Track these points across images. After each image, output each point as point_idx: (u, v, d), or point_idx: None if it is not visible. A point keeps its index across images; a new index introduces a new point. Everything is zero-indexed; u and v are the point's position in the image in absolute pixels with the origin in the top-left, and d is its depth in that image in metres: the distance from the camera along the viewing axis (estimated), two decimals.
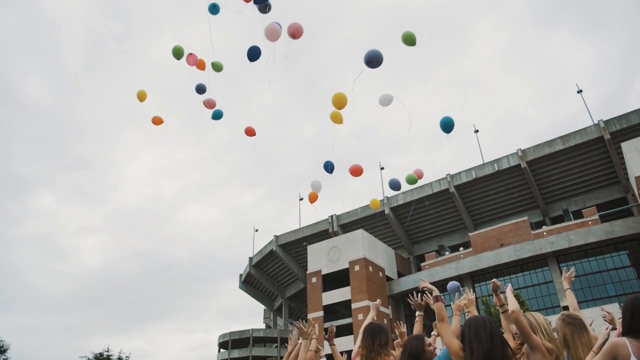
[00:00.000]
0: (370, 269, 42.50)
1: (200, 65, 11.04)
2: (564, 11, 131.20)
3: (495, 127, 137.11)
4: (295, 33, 9.02)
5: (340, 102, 9.52)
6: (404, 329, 5.08)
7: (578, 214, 40.87)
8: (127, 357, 37.39)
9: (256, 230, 65.32)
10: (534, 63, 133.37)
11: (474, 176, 45.02)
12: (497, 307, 4.00)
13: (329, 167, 11.29)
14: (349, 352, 5.31)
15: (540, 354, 3.35)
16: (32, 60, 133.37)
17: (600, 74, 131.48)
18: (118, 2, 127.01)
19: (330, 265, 44.40)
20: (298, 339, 4.69)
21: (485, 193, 45.88)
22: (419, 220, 49.91)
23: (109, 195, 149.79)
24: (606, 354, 2.92)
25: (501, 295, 3.99)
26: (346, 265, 43.03)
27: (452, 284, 5.13)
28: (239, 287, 65.75)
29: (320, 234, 53.13)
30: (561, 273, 4.84)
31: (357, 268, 42.10)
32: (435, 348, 3.84)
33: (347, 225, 52.03)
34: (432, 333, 4.58)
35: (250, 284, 65.37)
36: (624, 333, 3.01)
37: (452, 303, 4.48)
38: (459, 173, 46.08)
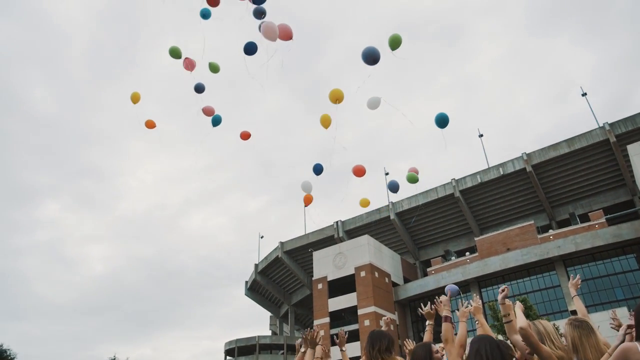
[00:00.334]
0: (376, 274, 42.38)
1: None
2: (567, 14, 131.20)
3: (499, 131, 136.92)
4: (284, 35, 9.10)
5: (336, 97, 9.58)
6: (412, 346, 5.05)
7: (585, 218, 40.64)
8: None
9: (262, 237, 65.25)
10: (538, 66, 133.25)
11: (479, 181, 44.89)
12: (502, 317, 3.97)
13: (317, 170, 11.40)
14: (357, 359, 5.31)
15: None
16: (38, 69, 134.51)
17: (605, 76, 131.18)
18: (123, 12, 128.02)
19: (336, 271, 44.30)
20: (303, 349, 4.67)
21: (491, 197, 45.73)
22: (424, 225, 49.77)
23: (115, 204, 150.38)
24: (617, 358, 2.91)
25: (505, 305, 3.96)
26: (352, 271, 42.92)
27: (451, 287, 5.10)
28: (245, 294, 65.68)
29: (325, 240, 53.06)
30: (568, 277, 4.87)
31: (363, 274, 41.99)
32: (443, 355, 3.82)
33: (352, 231, 51.95)
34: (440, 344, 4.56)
35: (256, 290, 65.28)
36: (637, 338, 3.00)
37: (457, 310, 4.45)
38: (464, 178, 45.97)
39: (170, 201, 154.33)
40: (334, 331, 41.44)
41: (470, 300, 4.57)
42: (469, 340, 3.59)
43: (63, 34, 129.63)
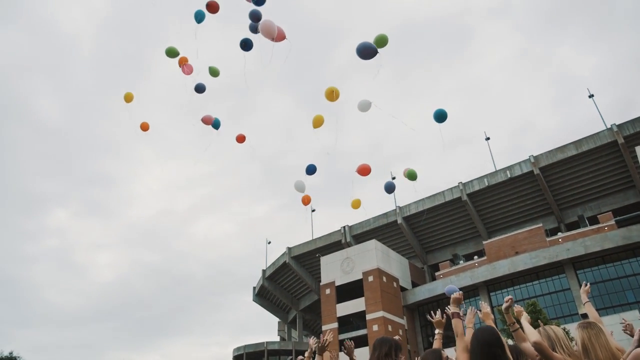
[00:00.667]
0: (384, 279, 42.25)
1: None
2: (573, 15, 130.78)
3: (506, 134, 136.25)
4: (279, 36, 9.17)
5: (332, 96, 9.65)
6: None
7: (594, 220, 40.35)
8: None
9: (269, 243, 65.32)
10: (544, 69, 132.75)
11: (487, 184, 44.73)
12: (508, 325, 3.98)
13: (310, 170, 11.49)
14: None
15: None
16: (46, 78, 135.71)
17: (611, 77, 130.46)
18: (129, 20, 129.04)
19: (344, 276, 44.22)
20: (313, 358, 4.67)
21: (499, 200, 45.54)
22: (432, 229, 49.64)
23: (123, 211, 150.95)
24: None
25: (509, 315, 3.98)
26: (360, 276, 42.83)
27: (449, 288, 5.11)
28: (253, 300, 65.67)
29: (333, 245, 53.02)
30: (578, 280, 4.88)
31: (370, 279, 41.89)
32: None
33: (359, 235, 51.87)
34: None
35: (264, 296, 65.26)
36: None
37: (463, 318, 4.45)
38: (471, 181, 45.83)
39: (178, 208, 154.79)
40: (342, 336, 41.34)
41: (480, 304, 4.56)
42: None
43: (70, 42, 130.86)
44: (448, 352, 4.17)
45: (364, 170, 11.13)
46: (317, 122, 10.43)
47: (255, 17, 9.25)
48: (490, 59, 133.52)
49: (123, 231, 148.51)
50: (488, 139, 49.82)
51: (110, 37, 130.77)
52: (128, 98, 11.72)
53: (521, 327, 3.86)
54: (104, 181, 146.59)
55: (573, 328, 3.71)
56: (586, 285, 4.82)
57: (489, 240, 43.31)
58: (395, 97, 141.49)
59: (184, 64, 11.09)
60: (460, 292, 4.58)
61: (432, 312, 5.01)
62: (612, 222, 37.36)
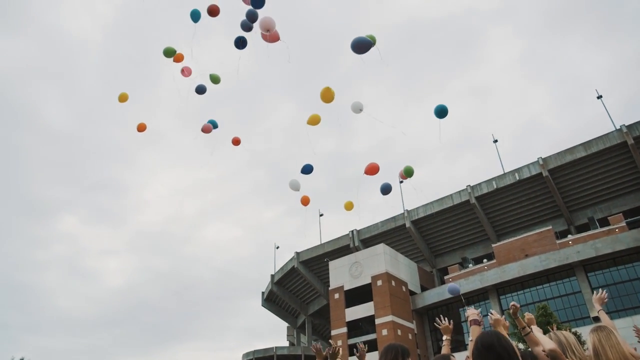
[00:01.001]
0: (393, 283, 42.10)
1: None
2: (579, 16, 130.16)
3: (514, 136, 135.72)
4: (273, 37, 9.26)
5: (327, 96, 9.70)
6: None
7: (604, 222, 39.98)
8: None
9: (277, 248, 65.28)
10: (551, 70, 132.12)
11: (495, 186, 44.50)
12: (519, 330, 3.96)
13: (307, 170, 11.56)
14: None
15: None
16: (54, 85, 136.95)
17: (620, 77, 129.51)
18: (136, 27, 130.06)
19: (353, 280, 44.12)
20: None
21: (507, 203, 45.27)
22: (440, 233, 49.43)
23: (131, 217, 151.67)
24: None
25: (519, 319, 3.96)
26: (368, 281, 42.71)
27: (451, 286, 5.10)
28: (262, 305, 65.65)
29: (341, 249, 52.94)
30: (589, 283, 4.80)
31: (379, 283, 41.75)
32: None
33: (368, 239, 51.76)
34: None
35: (272, 301, 65.22)
36: None
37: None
38: (480, 184, 45.62)
39: (186, 213, 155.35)
40: (351, 341, 41.23)
41: (490, 313, 4.52)
42: None
43: (78, 49, 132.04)
44: (457, 356, 4.14)
45: (372, 170, 11.08)
46: (313, 121, 10.50)
47: (252, 17, 9.35)
48: (496, 60, 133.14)
49: (132, 237, 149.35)
50: (496, 141, 49.63)
51: (118, 44, 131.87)
52: (122, 98, 11.91)
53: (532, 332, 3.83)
54: (112, 187, 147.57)
55: (585, 331, 3.69)
56: (601, 293, 4.63)
57: (498, 243, 43.04)
58: (401, 100, 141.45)
59: (180, 61, 11.24)
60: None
61: (438, 318, 4.97)
62: (623, 223, 36.99)
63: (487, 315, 4.50)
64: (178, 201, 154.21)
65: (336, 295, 44.76)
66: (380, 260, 42.96)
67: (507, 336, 3.26)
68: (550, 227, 40.58)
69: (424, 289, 46.26)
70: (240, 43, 10.03)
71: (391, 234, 50.73)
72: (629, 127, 38.59)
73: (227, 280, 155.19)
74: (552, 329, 4.12)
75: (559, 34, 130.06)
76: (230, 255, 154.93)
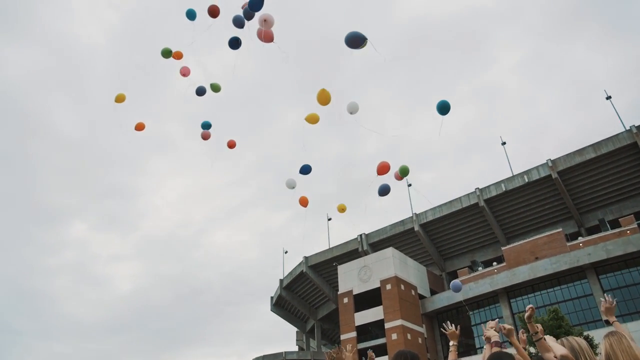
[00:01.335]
0: (402, 287, 41.93)
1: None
2: (587, 16, 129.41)
3: (522, 138, 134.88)
4: (267, 37, 9.37)
5: (323, 98, 9.76)
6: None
7: (615, 224, 39.61)
8: None
9: (286, 252, 65.29)
10: (559, 71, 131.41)
11: (504, 189, 44.26)
12: (531, 335, 3.93)
13: (305, 170, 11.67)
14: None
15: None
16: (63, 93, 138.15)
17: (629, 78, 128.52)
18: (143, 35, 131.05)
19: (362, 285, 44.00)
20: None
21: (517, 206, 45.01)
22: (449, 236, 49.22)
23: (140, 223, 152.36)
24: None
25: (532, 324, 3.93)
26: (377, 285, 42.58)
27: (454, 283, 5.05)
28: (271, 310, 65.63)
29: (350, 253, 52.85)
30: (601, 285, 4.73)
31: (388, 287, 41.61)
32: None
33: (376, 243, 51.64)
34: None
35: (281, 306, 65.19)
36: None
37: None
38: (488, 187, 45.40)
39: (194, 218, 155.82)
40: (361, 346, 41.06)
41: (502, 325, 4.46)
42: None
43: (86, 57, 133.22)
44: None
45: (383, 169, 11.15)
46: (312, 119, 10.55)
47: (248, 16, 9.47)
48: (504, 62, 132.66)
49: (141, 243, 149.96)
50: (504, 143, 49.41)
51: (126, 50, 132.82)
52: (119, 99, 12.14)
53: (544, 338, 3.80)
54: (122, 194, 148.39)
55: (597, 334, 3.66)
56: (607, 301, 4.49)
57: (508, 246, 42.76)
58: (409, 103, 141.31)
59: (180, 58, 11.41)
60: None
61: (445, 323, 4.93)
62: (635, 225, 36.61)
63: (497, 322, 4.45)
64: (186, 207, 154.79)
65: (345, 300, 44.65)
66: (389, 264, 42.83)
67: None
68: (560, 230, 40.26)
69: (433, 292, 46.04)
70: (234, 43, 10.17)
71: (400, 238, 50.58)
72: (639, 127, 38.29)
73: (236, 285, 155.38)
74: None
75: (567, 35, 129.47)
76: (239, 260, 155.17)
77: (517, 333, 4.49)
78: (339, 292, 46.09)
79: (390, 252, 43.93)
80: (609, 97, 44.02)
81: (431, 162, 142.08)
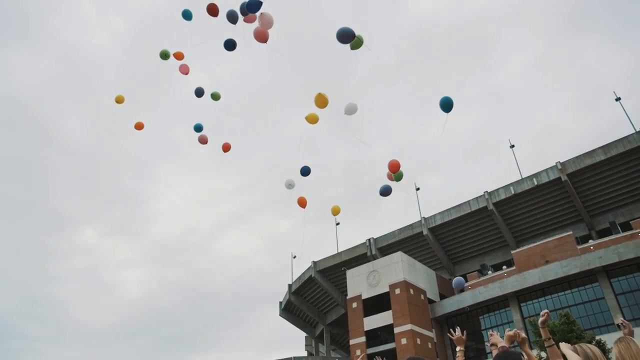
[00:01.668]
0: (411, 291, 41.72)
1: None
2: (594, 17, 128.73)
3: (531, 140, 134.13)
4: (261, 37, 9.53)
5: (321, 102, 9.84)
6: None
7: (626, 226, 39.22)
8: None
9: (294, 257, 65.24)
10: (567, 73, 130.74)
11: (513, 192, 43.99)
12: (544, 340, 3.90)
13: (305, 172, 11.80)
14: None
15: None
16: (71, 101, 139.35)
17: (638, 79, 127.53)
18: (150, 41, 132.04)
19: (370, 289, 43.84)
20: None
21: (526, 209, 44.71)
22: (458, 240, 48.97)
23: (149, 228, 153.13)
24: None
25: (545, 329, 3.91)
26: (386, 289, 42.40)
27: (457, 280, 5.03)
28: (280, 315, 65.56)
29: (358, 258, 52.72)
30: (612, 288, 4.70)
31: (397, 291, 41.41)
32: None
33: (385, 248, 51.49)
34: None
35: (290, 311, 65.10)
36: None
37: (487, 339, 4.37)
38: (497, 190, 45.16)
39: (202, 224, 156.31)
40: (370, 351, 40.87)
41: (517, 331, 4.41)
42: None
43: (93, 65, 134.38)
44: None
45: (394, 166, 11.21)
46: (312, 119, 10.62)
47: (243, 12, 9.61)
48: (511, 65, 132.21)
49: (150, 248, 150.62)
50: (513, 146, 49.17)
51: (133, 58, 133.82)
52: (119, 100, 12.38)
53: (557, 344, 3.78)
54: (130, 200, 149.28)
55: (609, 339, 3.65)
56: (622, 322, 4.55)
57: (518, 250, 42.44)
58: (416, 106, 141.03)
59: (181, 58, 11.58)
60: (515, 330, 4.45)
61: (452, 329, 4.90)
62: None
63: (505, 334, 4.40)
64: (195, 212, 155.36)
65: (354, 304, 44.49)
66: (398, 269, 42.65)
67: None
68: (570, 233, 39.92)
69: (442, 297, 45.77)
70: (230, 45, 10.32)
71: (408, 242, 50.40)
72: None
73: (245, 290, 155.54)
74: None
75: (575, 36, 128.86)
76: (248, 266, 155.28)
77: (527, 334, 4.45)
78: (347, 297, 45.94)
79: (399, 256, 43.75)
80: (618, 99, 43.72)
81: (439, 165, 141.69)
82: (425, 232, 48.66)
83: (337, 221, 60.17)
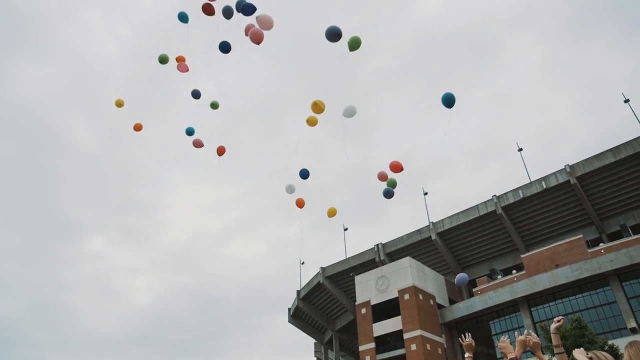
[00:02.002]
0: (421, 297, 41.49)
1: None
2: (601, 19, 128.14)
3: (539, 144, 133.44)
4: (256, 38, 9.64)
5: (319, 109, 9.90)
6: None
7: (637, 229, 38.83)
8: None
9: (302, 263, 65.16)
10: (575, 75, 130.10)
11: (522, 196, 43.71)
12: (555, 347, 3.85)
13: (304, 175, 11.86)
14: None
15: None
16: (80, 109, 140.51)
17: None
18: (157, 50, 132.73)
19: (379, 295, 43.66)
20: None
21: (535, 212, 44.39)
22: (467, 244, 48.69)
23: (157, 235, 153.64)
24: None
25: (557, 335, 3.87)
26: (395, 295, 42.20)
27: (460, 276, 4.99)
28: (288, 321, 65.42)
29: (366, 263, 52.57)
30: (624, 292, 4.64)
31: (406, 297, 41.21)
32: None
33: (393, 253, 51.30)
34: None
35: (299, 317, 64.95)
36: None
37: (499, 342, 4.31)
38: (506, 194, 44.89)
39: (210, 230, 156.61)
40: (380, 357, 40.70)
41: (530, 334, 4.35)
42: None
43: (102, 74, 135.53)
44: None
45: (396, 167, 11.19)
46: (312, 122, 10.67)
47: (238, 7, 9.72)
48: (518, 68, 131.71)
49: (158, 255, 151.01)
50: (521, 149, 48.89)
51: (139, 66, 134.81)
52: (119, 104, 12.60)
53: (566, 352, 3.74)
54: (138, 207, 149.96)
55: (621, 343, 3.60)
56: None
57: (528, 254, 42.13)
58: (422, 110, 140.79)
59: (183, 62, 11.71)
60: (528, 333, 4.40)
61: (463, 334, 4.85)
62: None
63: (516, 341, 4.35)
64: (202, 219, 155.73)
65: (363, 310, 44.31)
66: (407, 274, 42.46)
67: None
68: (580, 236, 39.58)
69: (452, 302, 45.49)
70: (225, 48, 10.43)
71: (417, 247, 50.19)
72: None
73: (253, 296, 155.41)
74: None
75: (582, 38, 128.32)
76: (256, 272, 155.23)
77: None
78: (356, 303, 45.78)
79: (407, 261, 43.57)
80: (627, 100, 43.41)
81: (447, 169, 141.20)
82: (433, 236, 48.45)
83: (345, 227, 60.10)
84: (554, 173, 42.44)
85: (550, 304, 37.69)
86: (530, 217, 44.84)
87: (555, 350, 3.77)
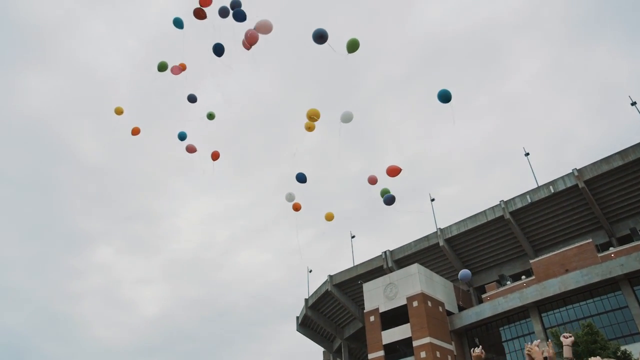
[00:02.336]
0: (430, 304, 41.23)
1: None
2: (607, 20, 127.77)
3: (546, 148, 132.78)
4: (251, 39, 9.71)
5: (314, 115, 9.97)
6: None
7: None
8: None
9: (310, 271, 65.00)
10: (581, 78, 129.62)
11: (529, 201, 43.47)
12: (565, 359, 3.80)
13: (301, 179, 11.93)
14: None
15: None
16: (87, 120, 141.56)
17: None
18: (162, 59, 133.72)
19: (388, 302, 43.42)
20: None
21: (543, 217, 44.10)
22: (476, 250, 48.42)
23: (164, 245, 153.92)
24: None
25: (568, 347, 3.82)
26: (404, 302, 41.96)
27: (463, 272, 4.95)
28: (297, 330, 65.17)
29: (374, 270, 52.37)
30: (636, 297, 4.58)
31: (415, 304, 40.96)
32: None
33: (401, 260, 51.09)
34: None
35: (307, 326, 64.70)
36: None
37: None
38: (513, 199, 44.66)
39: (217, 240, 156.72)
40: None
41: (547, 344, 4.27)
42: None
43: (109, 85, 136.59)
44: None
45: (393, 172, 11.17)
46: (309, 128, 10.73)
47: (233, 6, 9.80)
48: (523, 72, 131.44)
49: (166, 265, 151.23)
50: (527, 154, 48.69)
51: (145, 77, 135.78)
52: (118, 111, 12.92)
53: None
54: (145, 217, 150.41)
55: (634, 349, 3.53)
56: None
57: (537, 259, 41.80)
58: (427, 116, 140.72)
59: (184, 69, 11.90)
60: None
61: (474, 342, 4.80)
62: None
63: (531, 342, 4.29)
64: (209, 228, 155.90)
65: (371, 318, 44.07)
66: (415, 281, 42.23)
67: None
68: (590, 240, 39.24)
69: (461, 308, 45.14)
70: (218, 50, 10.54)
71: (425, 254, 49.97)
72: None
73: (261, 305, 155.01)
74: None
75: (588, 40, 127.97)
76: (264, 281, 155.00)
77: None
78: (365, 311, 45.55)
79: (415, 268, 43.35)
80: (634, 103, 43.23)
81: (453, 175, 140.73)
82: (441, 243, 48.23)
83: (353, 234, 59.97)
84: (562, 177, 42.20)
85: (561, 309, 37.30)
86: (539, 222, 44.54)
87: None
